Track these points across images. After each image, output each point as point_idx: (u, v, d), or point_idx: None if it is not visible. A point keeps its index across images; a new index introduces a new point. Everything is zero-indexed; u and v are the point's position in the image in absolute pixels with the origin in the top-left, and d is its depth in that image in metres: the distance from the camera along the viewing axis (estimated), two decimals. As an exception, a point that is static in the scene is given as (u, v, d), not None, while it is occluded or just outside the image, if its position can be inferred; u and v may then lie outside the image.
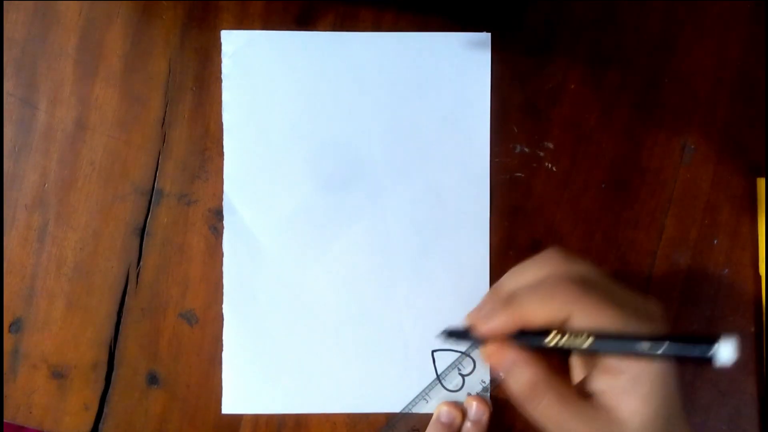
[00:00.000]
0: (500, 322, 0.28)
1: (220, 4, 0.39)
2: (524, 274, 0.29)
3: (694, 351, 0.25)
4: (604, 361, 0.28)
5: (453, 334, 0.31)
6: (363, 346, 0.38)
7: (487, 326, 0.28)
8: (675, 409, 0.28)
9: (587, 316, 0.26)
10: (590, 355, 0.28)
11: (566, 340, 0.27)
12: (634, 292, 0.28)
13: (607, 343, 0.27)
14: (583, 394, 0.28)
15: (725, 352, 0.23)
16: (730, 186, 0.39)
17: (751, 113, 0.39)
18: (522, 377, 0.28)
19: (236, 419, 0.38)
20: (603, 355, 0.27)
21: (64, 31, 0.39)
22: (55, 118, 0.39)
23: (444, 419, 0.37)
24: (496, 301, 0.28)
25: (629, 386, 0.27)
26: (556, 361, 0.30)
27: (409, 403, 0.38)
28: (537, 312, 0.27)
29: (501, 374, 0.29)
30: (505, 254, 0.39)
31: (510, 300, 0.28)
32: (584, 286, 0.27)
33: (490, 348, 0.29)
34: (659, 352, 0.26)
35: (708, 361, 0.24)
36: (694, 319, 0.39)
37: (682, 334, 0.25)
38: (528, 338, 0.28)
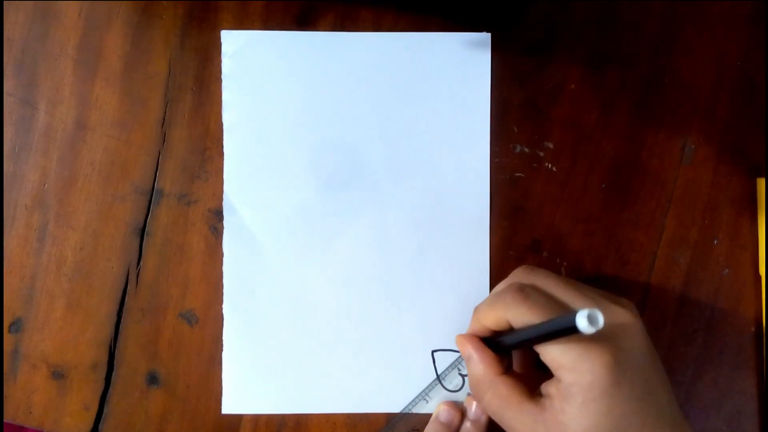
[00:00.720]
0: (469, 329, 0.34)
1: (220, 4, 0.39)
2: (498, 288, 0.35)
3: (558, 324, 0.27)
4: (550, 366, 0.30)
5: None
6: (363, 346, 0.38)
7: (460, 336, 0.34)
8: (631, 421, 0.29)
9: (521, 317, 0.30)
10: (526, 350, 0.33)
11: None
12: (603, 295, 0.32)
13: (514, 335, 0.31)
14: (536, 395, 0.31)
15: (582, 322, 0.25)
16: (730, 186, 0.39)
17: (751, 113, 0.39)
18: (473, 371, 0.33)
19: (236, 419, 0.38)
20: (542, 356, 0.30)
21: (64, 31, 0.39)
22: (55, 118, 0.39)
23: (443, 419, 0.37)
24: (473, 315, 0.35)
25: (566, 394, 0.29)
26: (525, 362, 0.34)
27: (409, 404, 0.38)
28: (487, 315, 0.32)
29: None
30: (505, 254, 0.39)
31: (475, 309, 0.34)
32: (523, 291, 0.31)
33: (458, 338, 0.34)
34: (531, 329, 0.29)
35: (575, 330, 0.25)
36: (694, 319, 0.39)
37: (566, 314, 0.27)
38: (491, 339, 0.33)
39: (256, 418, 0.38)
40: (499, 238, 0.39)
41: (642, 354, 0.30)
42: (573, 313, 0.26)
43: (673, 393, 0.31)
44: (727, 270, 0.39)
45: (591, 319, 0.25)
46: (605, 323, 0.25)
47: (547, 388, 0.30)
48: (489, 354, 0.33)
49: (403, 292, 0.39)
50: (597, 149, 0.39)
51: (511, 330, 0.32)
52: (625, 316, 0.31)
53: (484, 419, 0.37)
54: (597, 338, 0.28)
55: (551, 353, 0.29)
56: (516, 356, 0.35)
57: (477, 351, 0.33)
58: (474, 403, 0.37)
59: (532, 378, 0.32)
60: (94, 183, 0.39)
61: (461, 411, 0.37)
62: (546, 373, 0.31)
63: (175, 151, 0.39)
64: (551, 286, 0.32)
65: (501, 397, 0.31)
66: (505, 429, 0.32)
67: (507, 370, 0.33)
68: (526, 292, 0.31)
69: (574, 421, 0.29)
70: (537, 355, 0.32)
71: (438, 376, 0.38)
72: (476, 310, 0.34)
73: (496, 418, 0.32)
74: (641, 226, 0.39)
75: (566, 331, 0.27)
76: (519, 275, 0.34)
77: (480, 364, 0.32)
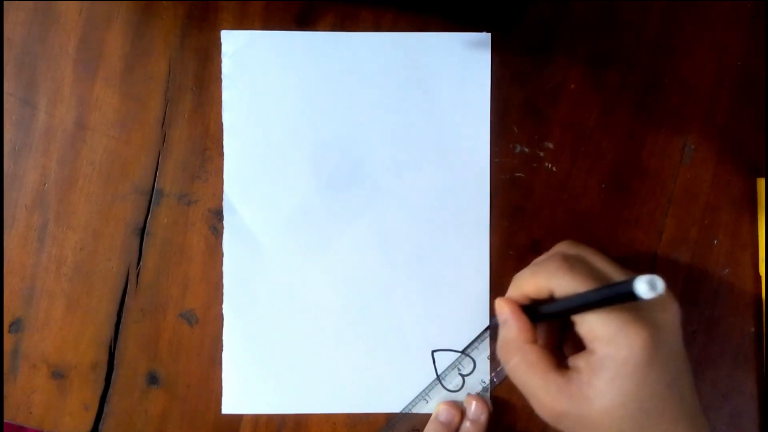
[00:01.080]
0: (509, 294, 0.34)
1: (220, 4, 0.39)
2: (540, 258, 0.35)
3: (615, 290, 0.27)
4: (585, 338, 0.29)
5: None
6: (363, 346, 0.38)
7: (500, 299, 0.33)
8: (655, 404, 0.28)
9: (566, 286, 0.30)
10: (568, 322, 0.31)
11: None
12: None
13: (557, 303, 0.30)
14: (564, 367, 0.30)
15: (642, 286, 0.24)
16: (730, 186, 0.39)
17: (751, 113, 0.39)
18: (504, 335, 0.33)
19: (236, 419, 0.38)
20: (578, 327, 0.30)
21: (64, 31, 0.39)
22: (55, 118, 0.39)
23: (442, 418, 0.37)
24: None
25: (597, 367, 0.29)
26: (550, 340, 0.33)
27: (409, 403, 0.38)
28: (529, 282, 0.32)
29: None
30: (505, 254, 0.39)
31: (515, 277, 0.34)
32: (568, 261, 0.31)
33: (497, 301, 0.33)
34: (579, 296, 0.29)
35: (633, 297, 0.25)
36: (694, 319, 0.39)
37: (616, 284, 0.27)
38: (530, 307, 0.32)
39: (256, 418, 0.38)
40: (499, 238, 0.39)
41: (677, 338, 0.30)
42: (631, 279, 0.25)
43: (695, 386, 0.31)
44: (727, 270, 0.39)
45: (651, 285, 0.24)
46: (646, 305, 0.25)
47: (576, 361, 0.30)
48: (524, 319, 0.32)
49: (403, 292, 0.39)
50: (597, 149, 0.39)
51: (551, 299, 0.31)
52: (665, 298, 0.30)
53: (483, 419, 0.37)
54: (638, 315, 0.28)
55: (590, 323, 0.29)
56: (541, 333, 0.34)
57: (513, 314, 0.32)
58: (474, 403, 0.37)
59: (555, 355, 0.32)
60: (94, 183, 0.39)
61: (461, 411, 0.37)
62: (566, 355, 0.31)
63: (175, 151, 0.39)
64: (596, 260, 0.32)
65: (529, 363, 0.31)
66: (527, 397, 0.31)
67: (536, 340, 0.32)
68: (571, 261, 0.31)
69: (600, 395, 0.28)
70: (561, 336, 0.32)
71: (438, 376, 0.38)
72: (517, 277, 0.33)
73: (519, 384, 0.31)
74: (641, 226, 0.39)
75: (621, 297, 0.26)
76: (563, 247, 0.34)
77: (514, 327, 0.32)
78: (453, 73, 0.39)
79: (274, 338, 0.38)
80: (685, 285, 0.39)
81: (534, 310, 0.33)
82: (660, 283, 0.24)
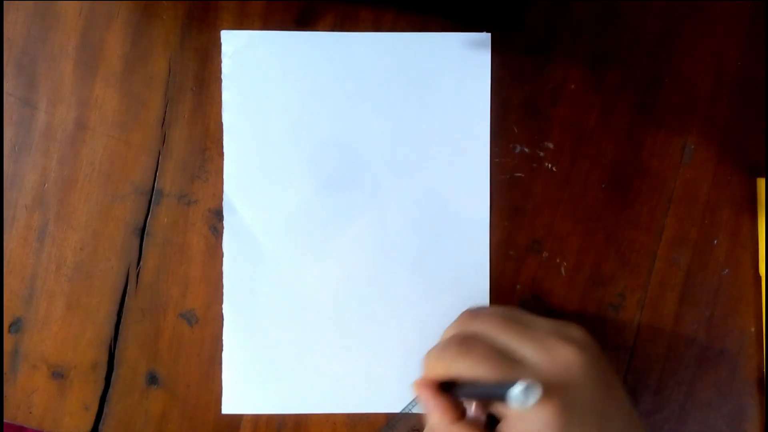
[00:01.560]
0: (423, 375, 0.33)
1: (220, 4, 0.39)
2: (445, 334, 0.35)
3: (495, 392, 0.28)
4: (503, 415, 0.30)
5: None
6: (363, 346, 0.38)
7: (416, 382, 0.33)
8: None
9: (466, 371, 0.30)
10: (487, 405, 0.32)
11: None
12: (550, 328, 0.32)
13: (465, 390, 0.31)
14: None
15: (516, 397, 0.26)
16: (730, 186, 0.39)
17: (751, 113, 0.39)
18: (430, 417, 0.32)
19: (236, 419, 0.38)
20: (491, 408, 0.31)
21: (64, 31, 0.39)
22: (55, 118, 0.39)
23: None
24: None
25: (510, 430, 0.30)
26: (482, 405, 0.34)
27: (409, 404, 0.38)
28: (435, 368, 0.32)
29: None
30: (505, 254, 0.39)
31: (425, 356, 0.33)
32: (465, 344, 0.31)
33: (415, 384, 0.33)
34: (474, 389, 0.30)
35: (504, 399, 0.27)
36: (694, 319, 0.39)
37: (507, 382, 0.28)
38: (447, 386, 0.32)
39: (256, 418, 0.38)
40: (499, 238, 0.39)
41: (593, 388, 0.30)
42: (507, 386, 0.26)
43: (633, 413, 0.31)
44: (727, 270, 0.39)
45: (525, 394, 0.26)
46: (549, 369, 0.27)
47: (502, 427, 0.30)
48: (443, 401, 0.32)
49: (403, 292, 0.39)
50: (597, 149, 0.39)
51: (458, 383, 0.32)
52: (571, 352, 0.30)
53: (483, 419, 0.37)
54: (544, 383, 0.28)
55: (497, 406, 0.30)
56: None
57: (432, 398, 0.32)
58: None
59: (487, 420, 0.33)
60: (94, 183, 0.39)
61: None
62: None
63: (175, 151, 0.39)
64: (493, 332, 0.32)
65: None
66: None
67: (463, 415, 0.32)
68: (467, 344, 0.31)
69: None
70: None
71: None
72: (426, 358, 0.33)
73: None
74: (641, 226, 0.39)
75: (503, 398, 0.27)
76: (463, 322, 0.34)
77: (435, 411, 0.32)
78: (453, 73, 0.39)
79: (274, 338, 0.38)
80: (685, 285, 0.39)
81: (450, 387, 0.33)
82: (534, 395, 0.26)
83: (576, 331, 0.32)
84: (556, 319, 0.33)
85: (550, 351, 0.30)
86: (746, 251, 0.39)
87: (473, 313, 0.34)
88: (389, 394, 0.38)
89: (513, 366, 0.30)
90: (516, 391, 0.26)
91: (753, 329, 0.39)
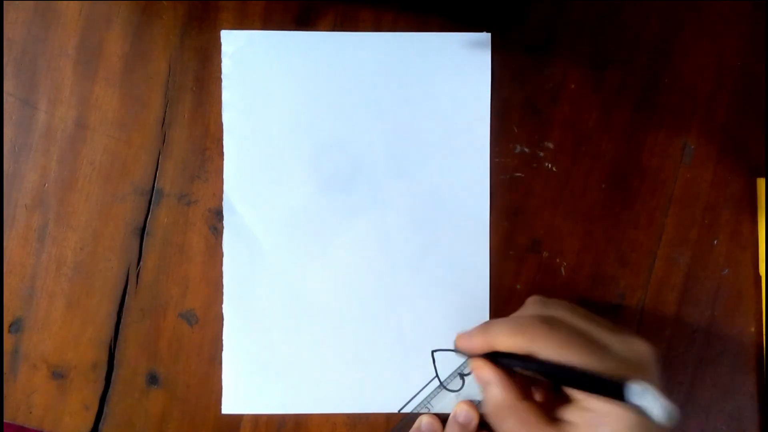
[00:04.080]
0: (474, 342, 0.33)
1: (220, 4, 0.39)
2: (516, 314, 0.35)
3: (605, 388, 0.28)
4: (576, 398, 0.30)
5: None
6: (363, 346, 0.38)
7: (463, 344, 0.33)
8: None
9: (550, 352, 0.30)
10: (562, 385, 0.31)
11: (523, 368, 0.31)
12: (619, 331, 0.31)
13: (551, 371, 0.30)
14: (557, 420, 0.30)
15: (636, 392, 0.27)
16: (730, 186, 0.39)
17: (751, 113, 0.39)
18: (492, 397, 0.32)
19: (236, 419, 0.38)
20: (572, 393, 0.30)
21: (64, 31, 0.39)
22: (55, 118, 0.39)
23: (461, 419, 0.37)
24: (479, 327, 0.33)
25: (594, 424, 0.29)
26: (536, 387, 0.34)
27: (418, 405, 0.38)
28: (506, 341, 0.31)
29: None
30: (505, 254, 0.39)
31: (487, 327, 0.33)
32: (549, 324, 0.31)
33: (475, 363, 0.33)
34: (572, 374, 0.29)
35: (621, 398, 0.27)
36: (694, 319, 0.39)
37: (610, 378, 0.28)
38: (503, 360, 0.32)
39: (256, 418, 0.38)
40: (499, 238, 0.39)
41: (659, 383, 0.30)
42: (620, 384, 0.27)
43: None
44: (727, 270, 0.39)
45: (666, 411, 0.26)
46: (631, 359, 0.28)
47: (571, 414, 0.30)
48: (509, 379, 0.32)
49: (403, 292, 0.39)
50: (597, 149, 0.39)
51: (529, 358, 0.31)
52: (645, 346, 0.31)
53: (473, 425, 0.37)
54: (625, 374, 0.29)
55: (587, 399, 0.29)
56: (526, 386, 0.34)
57: (497, 376, 0.32)
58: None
59: (549, 402, 0.32)
60: (94, 183, 0.39)
61: (478, 413, 0.37)
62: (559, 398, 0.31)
63: (175, 151, 0.39)
64: (575, 318, 0.31)
65: (523, 423, 0.30)
66: None
67: (531, 394, 0.32)
68: (551, 325, 0.30)
69: None
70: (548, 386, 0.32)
71: (438, 376, 0.38)
72: (489, 331, 0.32)
73: None
74: (641, 226, 0.39)
75: (614, 395, 0.27)
76: (536, 306, 0.34)
77: (501, 389, 0.31)
78: (453, 73, 0.39)
79: (274, 338, 0.38)
80: (685, 285, 0.39)
81: (500, 361, 0.32)
82: (674, 414, 0.27)
83: (638, 339, 0.32)
84: None
85: (628, 342, 0.30)
86: (746, 251, 0.39)
87: (543, 300, 0.34)
88: (389, 394, 0.38)
89: (601, 352, 0.30)
90: (657, 405, 0.26)
91: (753, 329, 0.39)
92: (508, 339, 0.31)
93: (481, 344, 0.32)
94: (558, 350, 0.30)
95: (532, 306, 0.34)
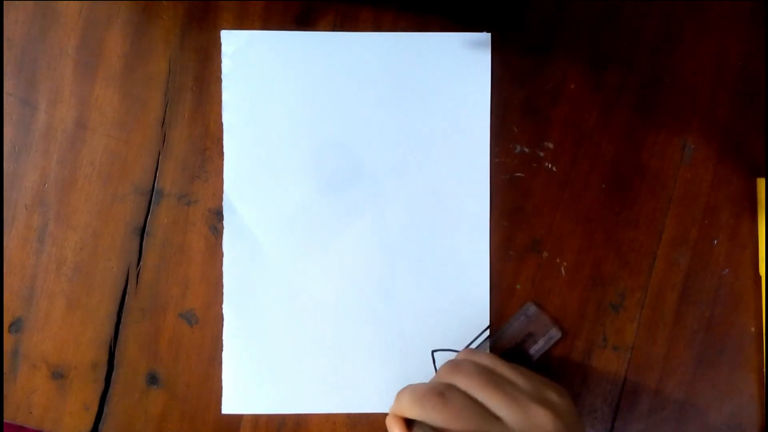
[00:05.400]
0: (395, 410, 0.33)
1: (220, 4, 0.39)
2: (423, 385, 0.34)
3: None
4: None
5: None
6: (363, 346, 0.38)
7: (390, 417, 0.34)
8: None
9: (441, 423, 0.31)
10: None
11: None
12: (533, 388, 0.32)
13: None
14: None
15: None
16: (730, 186, 0.39)
17: (751, 113, 0.39)
18: None
19: (236, 419, 0.38)
20: None
21: (64, 31, 0.39)
22: (55, 118, 0.39)
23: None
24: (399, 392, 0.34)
25: None
26: None
27: (476, 339, 0.38)
28: (408, 410, 0.32)
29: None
30: (505, 254, 0.39)
31: (399, 394, 0.33)
32: (444, 396, 0.31)
33: (388, 420, 0.33)
34: None
35: None
36: (694, 319, 0.39)
37: None
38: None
39: (256, 418, 0.38)
40: (499, 238, 0.39)
41: None
42: None
43: None
44: (727, 270, 0.39)
45: None
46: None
47: None
48: None
49: (403, 292, 0.39)
50: (597, 149, 0.39)
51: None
52: (547, 418, 0.31)
53: None
54: None
55: None
56: None
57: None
58: None
59: None
60: (94, 183, 0.39)
61: None
62: None
63: (175, 151, 0.39)
64: (474, 388, 0.32)
65: None
66: None
67: None
68: (445, 397, 0.31)
69: None
70: None
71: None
72: (401, 396, 0.33)
73: None
74: (641, 226, 0.39)
75: None
76: (445, 373, 0.34)
77: None
78: (453, 73, 0.39)
79: (274, 338, 0.38)
80: (685, 285, 0.39)
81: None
82: None
83: (555, 396, 0.32)
84: (539, 377, 0.33)
85: (528, 414, 0.31)
86: (746, 251, 0.39)
87: (455, 365, 0.34)
88: (389, 394, 0.38)
89: (490, 424, 0.30)
90: None
91: (753, 329, 0.39)
92: (410, 408, 0.32)
93: (394, 410, 0.33)
94: (448, 422, 0.30)
95: (442, 371, 0.34)
